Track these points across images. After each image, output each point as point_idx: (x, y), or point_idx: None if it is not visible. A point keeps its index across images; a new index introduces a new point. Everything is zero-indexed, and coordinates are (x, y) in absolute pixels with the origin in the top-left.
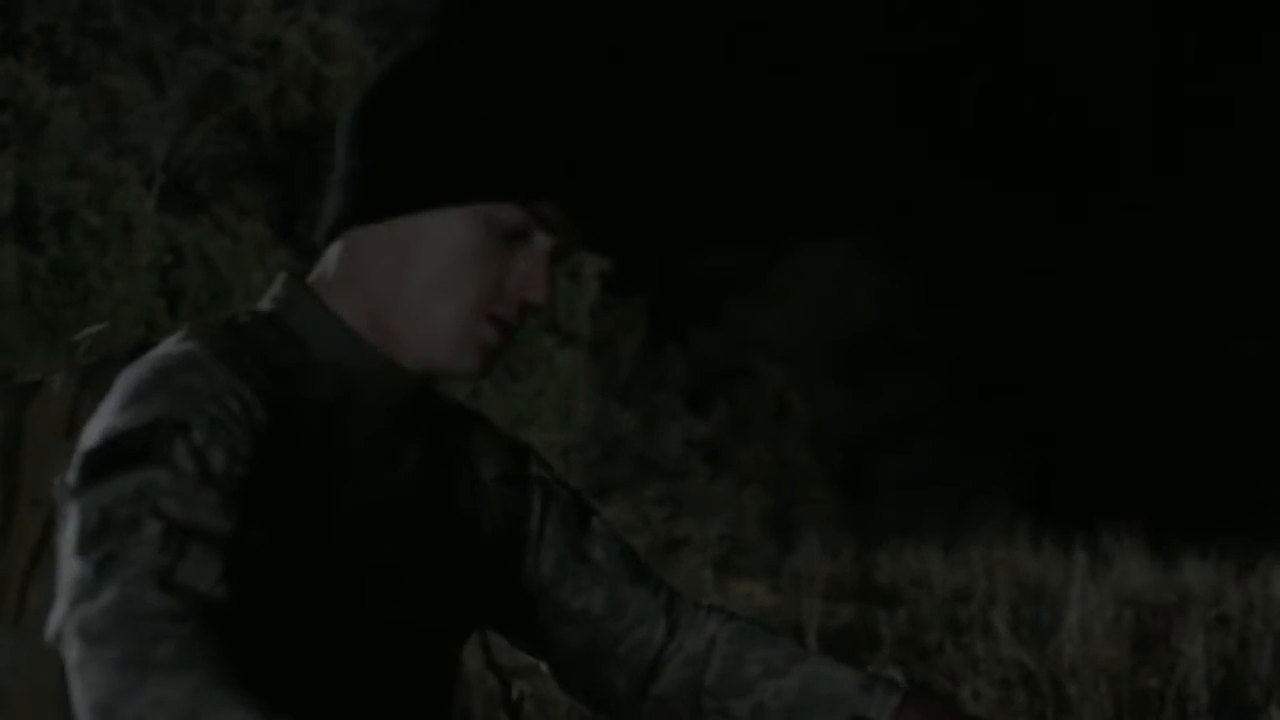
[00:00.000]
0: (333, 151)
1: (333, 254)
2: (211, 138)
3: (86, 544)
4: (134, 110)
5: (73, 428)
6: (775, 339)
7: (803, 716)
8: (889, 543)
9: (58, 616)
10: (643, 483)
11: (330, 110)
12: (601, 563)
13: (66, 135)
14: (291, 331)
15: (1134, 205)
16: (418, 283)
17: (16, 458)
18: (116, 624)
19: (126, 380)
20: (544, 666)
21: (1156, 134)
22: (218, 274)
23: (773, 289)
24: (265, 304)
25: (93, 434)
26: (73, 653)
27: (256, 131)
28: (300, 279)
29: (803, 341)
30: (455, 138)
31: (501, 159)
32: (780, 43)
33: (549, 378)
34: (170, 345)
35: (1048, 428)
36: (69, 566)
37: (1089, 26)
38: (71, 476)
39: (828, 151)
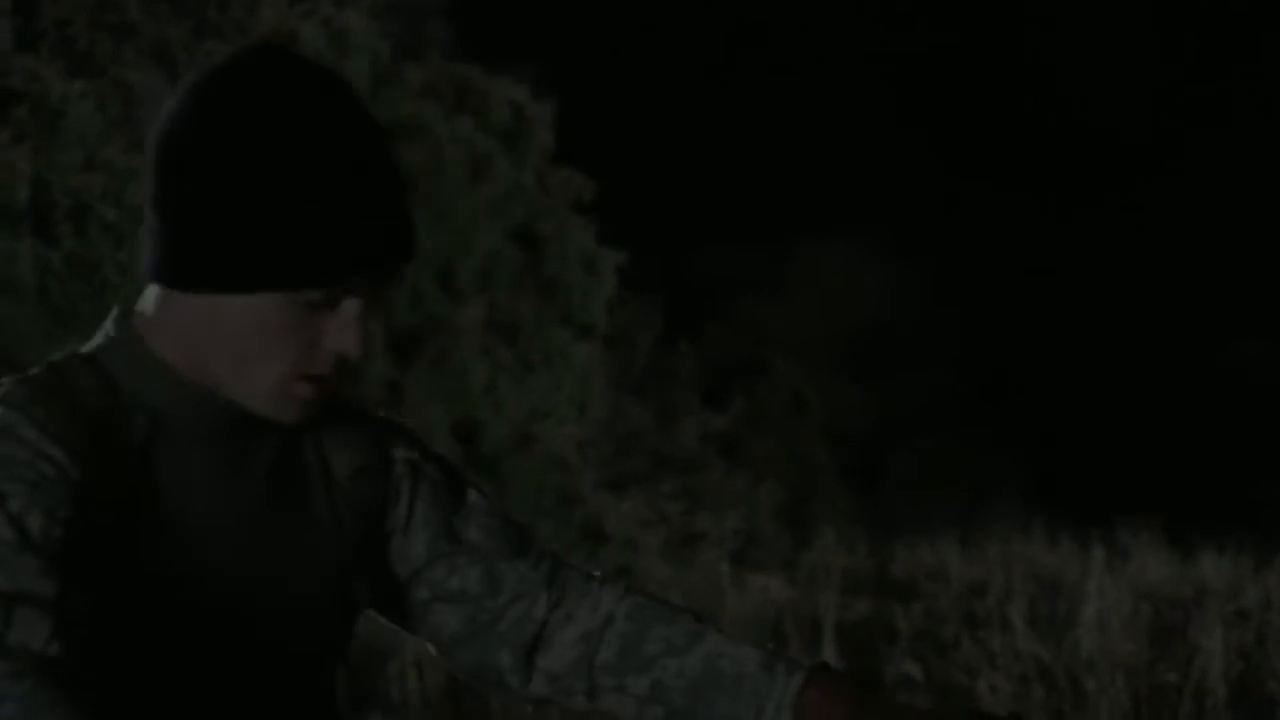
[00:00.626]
0: None
1: (151, 293)
2: None
3: None
4: (150, 104)
5: None
6: (789, 335)
7: (704, 694)
8: (905, 537)
9: None
10: (658, 477)
11: None
12: (476, 540)
13: (82, 129)
14: (107, 374)
15: (1141, 203)
16: (226, 352)
17: None
18: None
19: None
20: (431, 648)
21: (1158, 134)
22: None
23: (785, 285)
24: (97, 339)
25: None
26: None
27: None
28: (129, 315)
29: (817, 337)
30: (252, 227)
31: (299, 249)
32: (790, 40)
33: (564, 371)
34: None
35: (1064, 422)
36: None
37: (1093, 24)
38: None
39: (838, 149)
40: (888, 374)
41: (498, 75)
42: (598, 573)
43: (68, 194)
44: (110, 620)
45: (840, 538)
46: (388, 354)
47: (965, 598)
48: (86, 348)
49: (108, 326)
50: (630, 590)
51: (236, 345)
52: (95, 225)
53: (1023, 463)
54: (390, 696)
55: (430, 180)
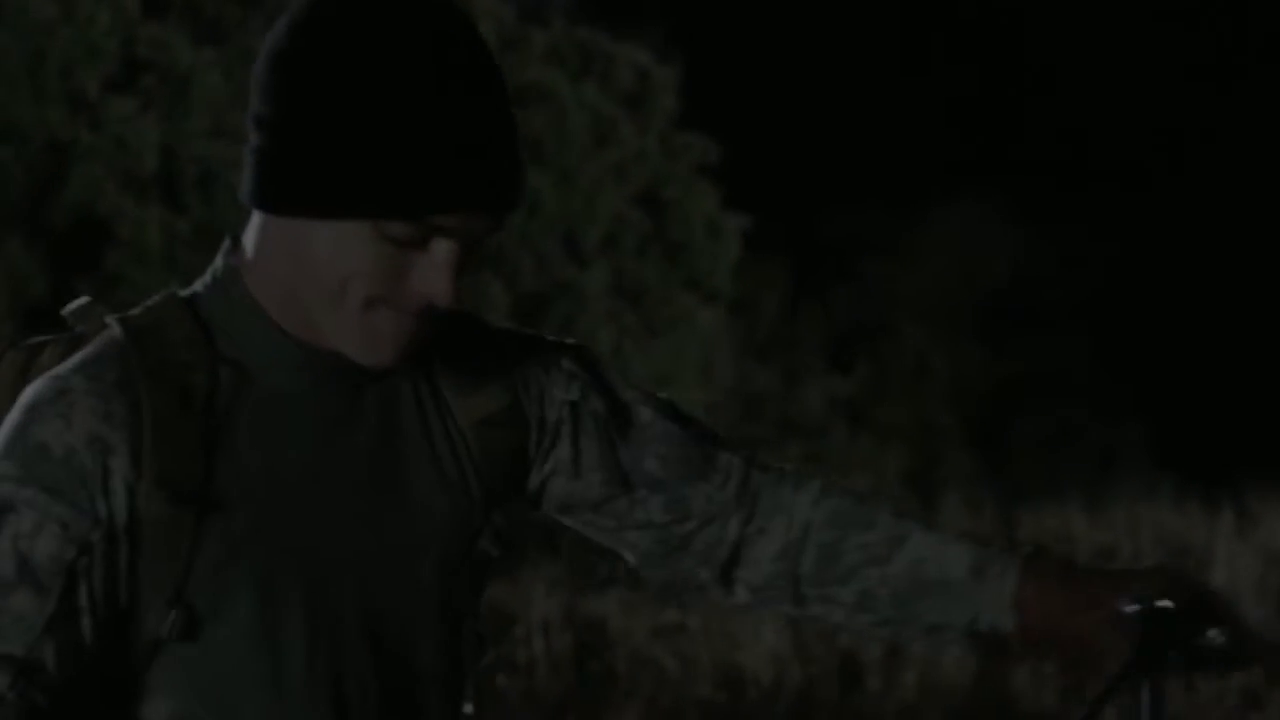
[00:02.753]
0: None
1: (254, 221)
2: None
3: None
4: None
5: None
6: (914, 297)
7: (912, 603)
8: (1031, 500)
9: None
10: (783, 442)
11: None
12: (654, 471)
13: (210, 97)
14: (203, 321)
15: (1274, 164)
16: (313, 282)
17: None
18: None
19: (13, 411)
20: (630, 558)
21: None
22: None
23: (912, 249)
24: (205, 277)
25: None
26: None
27: None
28: (237, 246)
29: (942, 300)
30: (344, 151)
31: (389, 177)
32: (918, 2)
33: (689, 336)
34: (68, 365)
35: (1190, 383)
36: None
37: None
38: None
39: (966, 111)
40: (1014, 337)
41: (622, 39)
42: (792, 470)
43: (195, 161)
44: (189, 598)
45: (966, 502)
46: (513, 318)
47: (1093, 562)
48: (191, 286)
49: (217, 261)
50: (827, 492)
51: (320, 277)
52: (223, 192)
53: (1149, 425)
54: (516, 659)
55: (555, 145)
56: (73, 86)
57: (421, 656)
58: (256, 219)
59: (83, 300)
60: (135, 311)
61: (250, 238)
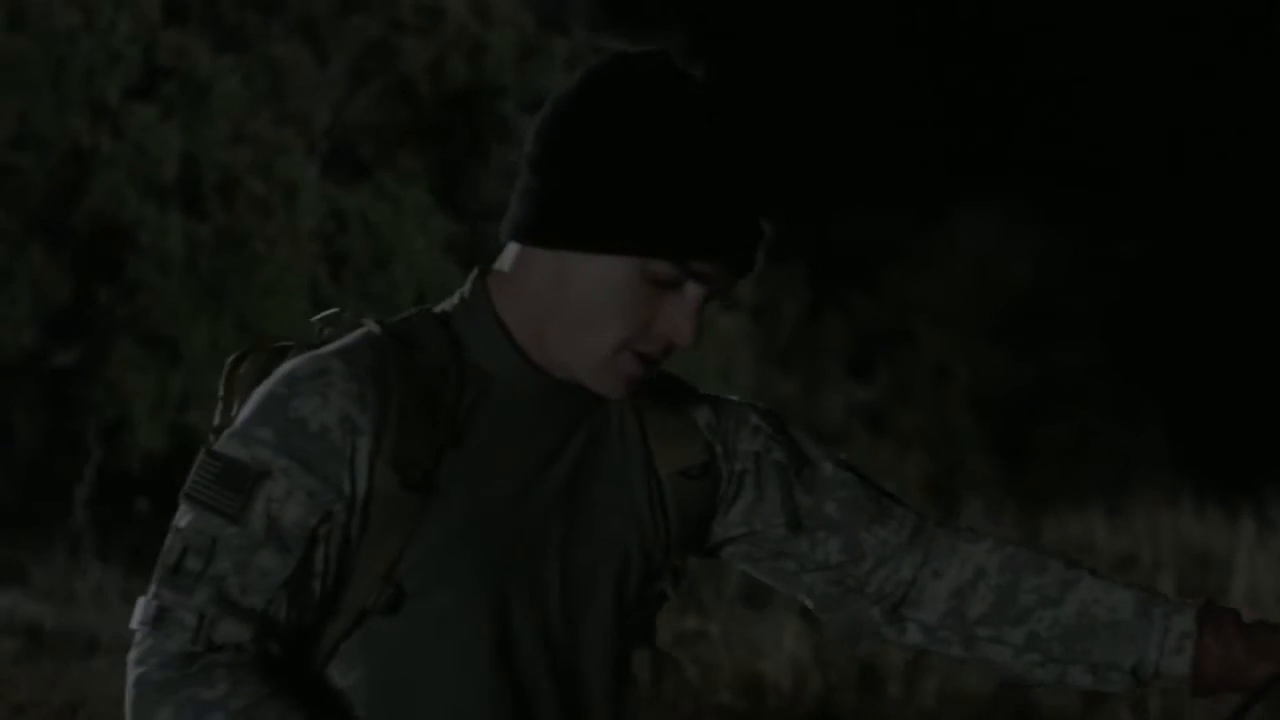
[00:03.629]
0: (493, 117)
1: (509, 254)
2: (373, 105)
3: (162, 578)
4: (297, 78)
5: None
6: (934, 303)
7: (1079, 643)
8: (1052, 507)
9: (134, 623)
10: None
11: (490, 76)
12: (833, 514)
13: (230, 103)
14: (455, 333)
15: None
16: (570, 311)
17: None
18: (148, 677)
19: (270, 382)
20: (809, 604)
21: None
22: (381, 240)
23: (930, 253)
24: (452, 299)
25: (226, 437)
26: (128, 676)
27: (417, 98)
28: (484, 278)
29: (962, 306)
30: (624, 192)
31: (663, 219)
32: (938, 4)
33: (710, 343)
34: (332, 346)
35: (1210, 389)
36: (153, 581)
37: None
38: (195, 467)
39: (985, 114)
40: (1034, 343)
41: (643, 45)
42: (967, 526)
43: (216, 168)
44: (399, 576)
45: (987, 509)
46: None
47: (1115, 570)
48: (441, 306)
49: (464, 288)
50: (1000, 543)
51: (578, 310)
52: (243, 199)
53: (1169, 431)
54: None
55: None
56: (94, 94)
57: (592, 678)
58: (515, 252)
59: (333, 310)
60: (396, 317)
61: (507, 269)
